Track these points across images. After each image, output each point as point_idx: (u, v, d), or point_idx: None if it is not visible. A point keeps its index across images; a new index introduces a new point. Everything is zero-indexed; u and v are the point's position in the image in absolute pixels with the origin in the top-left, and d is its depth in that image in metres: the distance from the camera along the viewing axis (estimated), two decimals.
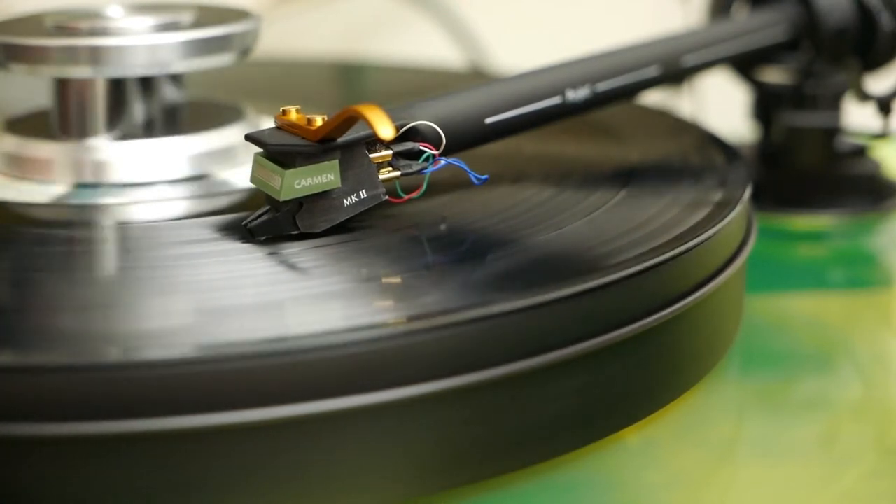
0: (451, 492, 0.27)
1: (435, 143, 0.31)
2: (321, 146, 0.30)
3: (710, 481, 0.29)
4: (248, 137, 0.31)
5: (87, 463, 0.24)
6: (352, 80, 0.56)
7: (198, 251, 0.30)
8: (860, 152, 0.45)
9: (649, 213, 0.32)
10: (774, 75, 0.46)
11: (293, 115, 0.30)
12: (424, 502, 0.27)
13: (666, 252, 0.30)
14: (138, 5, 0.38)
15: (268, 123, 0.32)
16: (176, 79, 0.37)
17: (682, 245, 0.30)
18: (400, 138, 0.31)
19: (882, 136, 0.43)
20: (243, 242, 0.30)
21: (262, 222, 0.30)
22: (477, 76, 0.53)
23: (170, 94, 0.37)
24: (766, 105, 0.46)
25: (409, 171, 0.31)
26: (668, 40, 0.38)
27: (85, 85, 0.36)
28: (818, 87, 0.44)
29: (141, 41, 0.35)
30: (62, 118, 0.36)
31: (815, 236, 0.44)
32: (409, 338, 0.26)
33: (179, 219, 0.33)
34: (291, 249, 0.30)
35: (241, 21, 0.37)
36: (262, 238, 0.30)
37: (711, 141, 0.40)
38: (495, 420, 0.27)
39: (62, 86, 0.36)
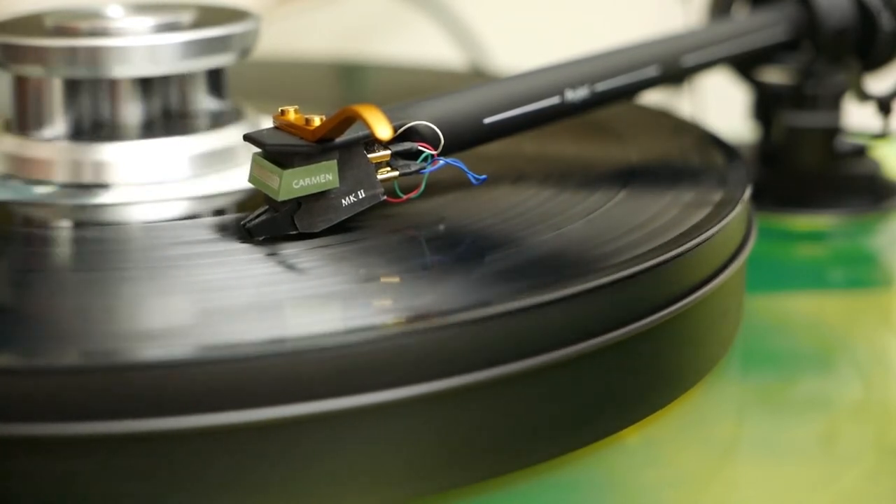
0: (451, 492, 0.27)
1: (433, 143, 0.31)
2: (319, 146, 0.30)
3: (710, 481, 0.29)
4: (247, 137, 0.31)
5: (86, 463, 0.24)
6: (352, 80, 0.56)
7: (197, 251, 0.30)
8: (860, 152, 0.45)
9: (649, 214, 0.32)
10: (774, 75, 0.46)
11: (291, 115, 0.30)
12: (424, 502, 0.27)
13: (666, 252, 0.30)
14: (138, 5, 0.38)
15: (267, 123, 0.32)
16: (214, 81, 0.37)
17: (682, 245, 0.30)
18: (398, 138, 0.31)
19: (882, 136, 0.43)
20: (242, 243, 0.30)
21: (261, 222, 0.30)
22: (477, 76, 0.53)
23: (206, 97, 0.37)
24: (766, 105, 0.46)
25: (408, 171, 0.31)
26: (668, 40, 0.38)
27: (81, 85, 0.36)
28: (818, 87, 0.44)
29: (141, 41, 0.35)
30: (35, 116, 0.36)
31: (815, 236, 0.44)
32: (407, 338, 0.26)
33: (179, 219, 0.33)
34: (290, 250, 0.30)
35: (241, 21, 0.37)
36: (261, 238, 0.30)
37: (711, 141, 0.40)
38: (495, 420, 0.27)
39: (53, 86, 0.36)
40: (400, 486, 0.26)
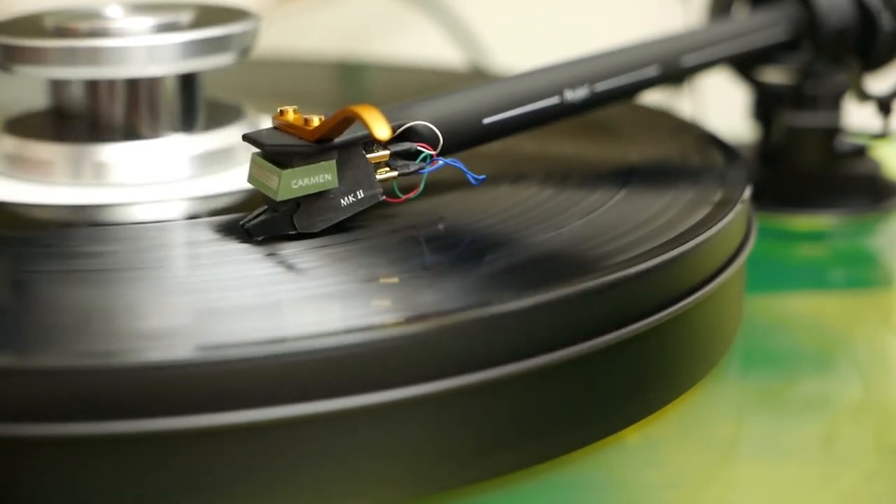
0: (451, 492, 0.27)
1: (432, 143, 0.31)
2: (318, 146, 0.30)
3: (710, 481, 0.29)
4: (246, 138, 0.31)
5: (87, 463, 0.24)
6: (352, 80, 0.56)
7: (197, 251, 0.30)
8: (860, 152, 0.45)
9: (649, 213, 0.32)
10: (774, 75, 0.46)
11: (290, 115, 0.30)
12: (424, 502, 0.27)
13: (666, 252, 0.30)
14: (138, 5, 0.38)
15: (267, 123, 0.32)
16: (187, 79, 0.37)
17: (681, 245, 0.30)
18: (397, 138, 0.31)
19: (882, 136, 0.43)
20: (241, 243, 0.30)
21: (260, 222, 0.30)
22: (477, 76, 0.53)
23: (180, 94, 0.37)
24: (766, 105, 0.46)
25: (407, 171, 0.31)
26: (668, 40, 0.38)
27: (84, 86, 0.36)
28: (818, 87, 0.44)
29: (140, 42, 0.35)
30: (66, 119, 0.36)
31: (815, 236, 0.44)
32: (407, 338, 0.26)
33: (179, 219, 0.33)
34: (289, 250, 0.30)
35: (241, 21, 0.37)
36: (260, 238, 0.30)
37: (711, 141, 0.40)
38: (495, 420, 0.27)
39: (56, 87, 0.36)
40: (399, 486, 0.26)
